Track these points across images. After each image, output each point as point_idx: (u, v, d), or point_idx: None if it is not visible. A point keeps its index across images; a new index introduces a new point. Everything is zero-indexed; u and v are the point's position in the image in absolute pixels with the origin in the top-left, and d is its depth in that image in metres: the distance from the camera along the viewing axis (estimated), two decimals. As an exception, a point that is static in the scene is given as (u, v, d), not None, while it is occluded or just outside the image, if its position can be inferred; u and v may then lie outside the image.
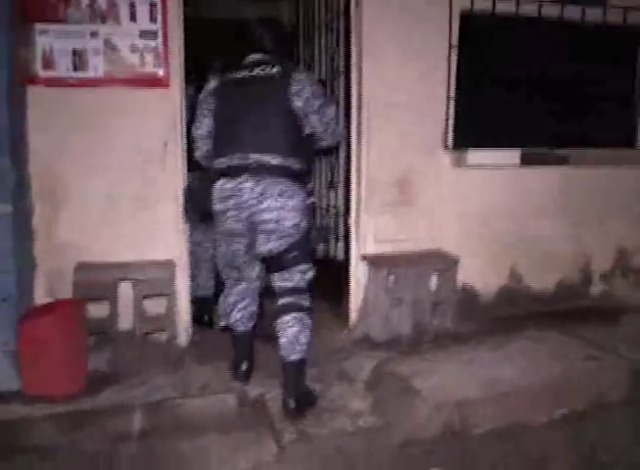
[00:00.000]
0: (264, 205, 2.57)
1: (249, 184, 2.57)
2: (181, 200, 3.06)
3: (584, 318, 3.73)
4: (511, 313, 3.80)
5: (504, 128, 3.73)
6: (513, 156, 3.70)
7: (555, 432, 2.60)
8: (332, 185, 4.03)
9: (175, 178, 3.17)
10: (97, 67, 3.02)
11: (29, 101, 2.98)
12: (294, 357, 2.64)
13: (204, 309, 3.70)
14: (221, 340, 3.19)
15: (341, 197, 3.85)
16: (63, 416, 2.58)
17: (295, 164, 2.63)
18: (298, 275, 2.69)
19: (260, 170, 2.57)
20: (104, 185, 3.12)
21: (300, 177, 2.67)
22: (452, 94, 3.63)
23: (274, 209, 2.57)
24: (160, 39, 3.07)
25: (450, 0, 3.53)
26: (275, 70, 2.65)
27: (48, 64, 2.96)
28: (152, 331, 3.16)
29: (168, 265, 3.17)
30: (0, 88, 2.67)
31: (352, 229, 3.62)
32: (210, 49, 3.68)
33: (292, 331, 2.62)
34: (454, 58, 3.60)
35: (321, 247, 4.18)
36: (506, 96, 3.72)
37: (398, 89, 3.51)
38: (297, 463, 2.38)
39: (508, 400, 2.69)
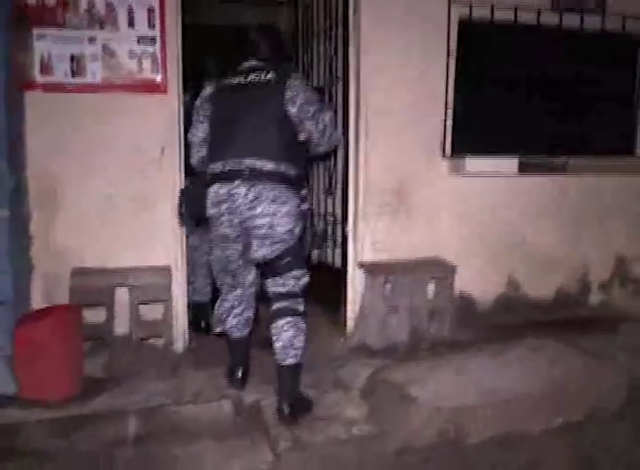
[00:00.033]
0: (257, 210, 2.57)
1: (242, 189, 2.57)
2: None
3: (583, 327, 3.71)
4: (509, 321, 3.79)
5: (502, 136, 3.73)
6: (511, 163, 3.69)
7: (551, 441, 2.58)
8: (330, 192, 4.03)
9: (173, 185, 3.17)
10: (95, 72, 3.04)
11: (27, 105, 2.99)
12: (288, 362, 2.64)
13: (200, 315, 3.70)
14: (218, 346, 3.18)
15: (338, 204, 3.85)
16: (57, 421, 2.57)
17: (288, 170, 2.63)
18: (292, 281, 2.69)
19: (254, 176, 2.57)
20: (101, 190, 3.14)
21: (294, 183, 2.67)
22: (450, 102, 3.64)
23: (267, 214, 2.57)
24: (158, 45, 3.09)
25: (449, 8, 3.55)
26: (269, 76, 2.66)
27: (46, 69, 2.97)
28: (148, 336, 3.16)
29: (165, 271, 3.18)
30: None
31: (350, 236, 3.62)
32: (208, 55, 3.69)
33: (286, 335, 2.63)
34: (452, 65, 3.61)
35: (316, 252, 4.17)
36: (504, 104, 3.73)
37: (396, 97, 3.52)
38: (291, 471, 2.37)
39: (504, 409, 2.67)
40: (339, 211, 3.84)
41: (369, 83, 3.47)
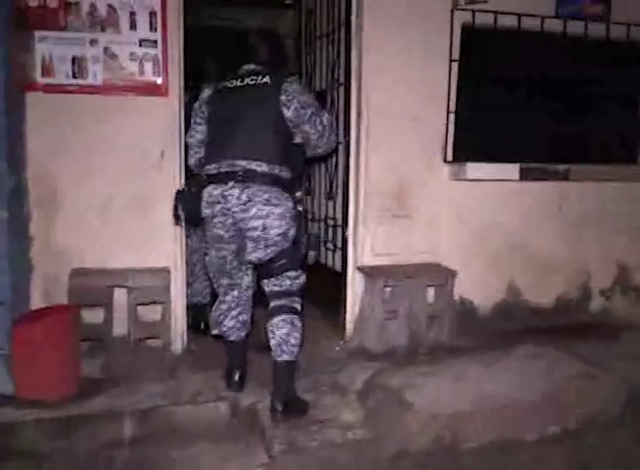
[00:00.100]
0: (251, 212, 2.59)
1: (235, 191, 2.59)
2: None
3: (583, 334, 3.70)
4: (508, 328, 3.78)
5: (504, 142, 3.73)
6: (512, 170, 3.68)
7: (548, 448, 2.57)
8: (330, 196, 4.03)
9: (173, 186, 3.16)
10: (96, 74, 3.05)
11: (28, 106, 3.01)
12: (283, 358, 2.66)
13: (200, 317, 3.70)
14: (217, 348, 3.18)
15: (339, 207, 3.85)
16: (54, 421, 2.58)
17: (282, 172, 2.66)
18: (288, 281, 2.72)
19: (247, 178, 2.59)
20: (101, 191, 3.14)
21: (288, 185, 2.70)
22: (452, 107, 3.64)
23: (260, 216, 2.59)
24: (159, 48, 3.10)
25: (451, 14, 3.55)
26: (265, 79, 2.68)
27: (47, 71, 2.99)
28: (146, 338, 3.16)
29: (164, 273, 3.18)
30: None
31: (350, 240, 3.62)
32: (209, 56, 3.70)
33: (281, 332, 2.66)
34: (455, 71, 3.61)
35: (312, 253, 4.17)
36: (506, 110, 3.71)
37: (398, 101, 3.52)
38: (286, 474, 2.37)
39: (502, 415, 2.67)
40: (339, 215, 3.84)
41: (370, 83, 3.47)
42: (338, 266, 3.86)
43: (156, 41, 3.09)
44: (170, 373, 3.08)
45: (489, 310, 3.87)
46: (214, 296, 3.07)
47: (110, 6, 3.01)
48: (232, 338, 2.91)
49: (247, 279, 2.87)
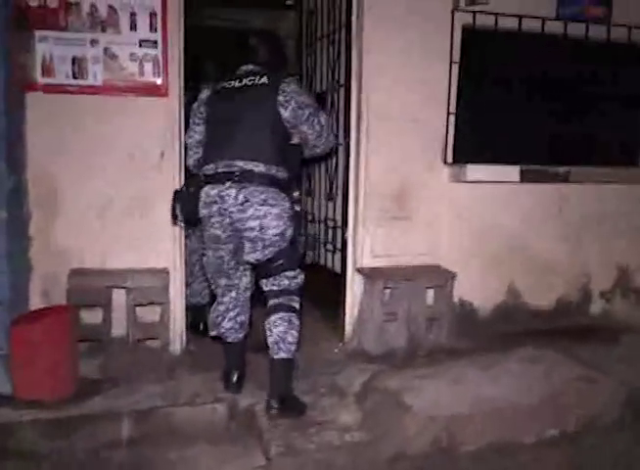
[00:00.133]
0: (248, 213, 2.60)
1: (232, 191, 2.60)
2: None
3: (582, 337, 3.68)
4: (508, 330, 3.76)
5: (505, 144, 3.72)
6: (512, 172, 3.67)
7: (546, 451, 2.57)
8: (330, 197, 4.03)
9: (172, 187, 3.16)
10: (96, 75, 3.05)
11: (27, 106, 3.01)
12: (280, 356, 2.68)
13: (198, 317, 3.69)
14: (216, 349, 3.16)
15: (339, 209, 3.84)
16: (52, 421, 2.57)
17: (279, 173, 2.67)
18: (286, 280, 2.74)
19: (244, 178, 2.60)
20: (101, 191, 3.14)
21: (285, 186, 2.71)
22: (452, 109, 3.63)
23: (257, 217, 2.60)
24: (159, 48, 3.10)
25: (452, 16, 3.54)
26: (263, 80, 2.69)
27: (48, 71, 2.98)
28: (145, 338, 3.16)
29: (162, 273, 3.18)
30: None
31: (349, 241, 3.61)
32: (208, 57, 3.70)
33: (278, 330, 2.68)
34: (455, 73, 3.60)
35: (310, 253, 4.17)
36: (507, 112, 3.71)
37: (398, 103, 3.52)
38: (284, 476, 2.37)
39: (500, 418, 2.67)
40: (339, 217, 3.84)
41: (370, 84, 3.46)
42: (337, 268, 3.85)
43: (156, 42, 3.09)
44: (169, 374, 3.07)
45: (489, 312, 3.87)
46: (213, 296, 3.07)
47: (110, 6, 3.01)
48: (230, 339, 2.91)
49: (245, 280, 2.88)
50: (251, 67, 2.80)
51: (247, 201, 2.59)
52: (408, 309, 3.43)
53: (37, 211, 3.07)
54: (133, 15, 3.03)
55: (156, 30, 3.08)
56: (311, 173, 4.41)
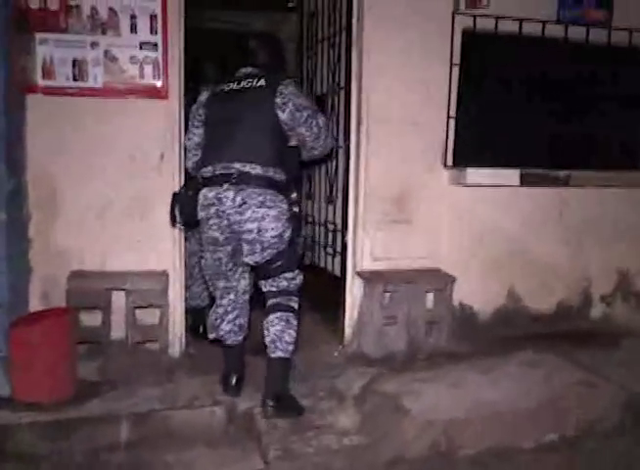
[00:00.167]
0: (246, 215, 2.61)
1: (230, 193, 2.61)
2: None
3: (583, 341, 3.67)
4: (508, 334, 3.75)
5: (505, 148, 3.71)
6: (512, 175, 3.66)
7: (545, 455, 2.56)
8: (330, 200, 4.02)
9: (172, 189, 3.16)
10: (97, 77, 3.05)
11: (28, 107, 3.01)
12: (277, 355, 2.68)
13: (198, 320, 3.69)
14: (215, 351, 3.16)
15: (339, 212, 3.84)
16: (51, 424, 2.57)
17: (276, 175, 2.67)
18: (285, 282, 2.75)
19: (242, 180, 2.61)
20: (100, 193, 3.15)
21: (283, 188, 2.71)
22: (452, 112, 3.63)
23: (255, 219, 2.61)
24: (159, 51, 3.10)
25: (452, 19, 3.54)
26: (261, 82, 2.70)
27: (48, 73, 2.99)
28: (144, 341, 3.16)
29: (162, 276, 3.18)
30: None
31: (349, 245, 3.61)
32: (208, 59, 3.70)
33: (275, 329, 2.69)
34: (455, 76, 3.60)
35: (308, 254, 4.18)
36: (507, 115, 3.70)
37: (398, 105, 3.51)
38: (281, 480, 2.36)
39: (499, 422, 2.66)
40: (339, 220, 3.83)
41: (370, 84, 3.45)
42: (337, 271, 3.84)
43: (156, 44, 3.09)
44: (168, 377, 3.07)
45: (489, 316, 3.85)
46: (213, 299, 3.07)
47: (111, 9, 3.02)
48: (229, 342, 2.91)
49: (243, 282, 2.88)
50: (250, 69, 2.81)
51: (244, 203, 2.60)
52: (408, 313, 3.43)
53: (37, 213, 3.08)
54: (133, 17, 3.03)
55: (156, 33, 3.08)
56: (311, 176, 4.41)
